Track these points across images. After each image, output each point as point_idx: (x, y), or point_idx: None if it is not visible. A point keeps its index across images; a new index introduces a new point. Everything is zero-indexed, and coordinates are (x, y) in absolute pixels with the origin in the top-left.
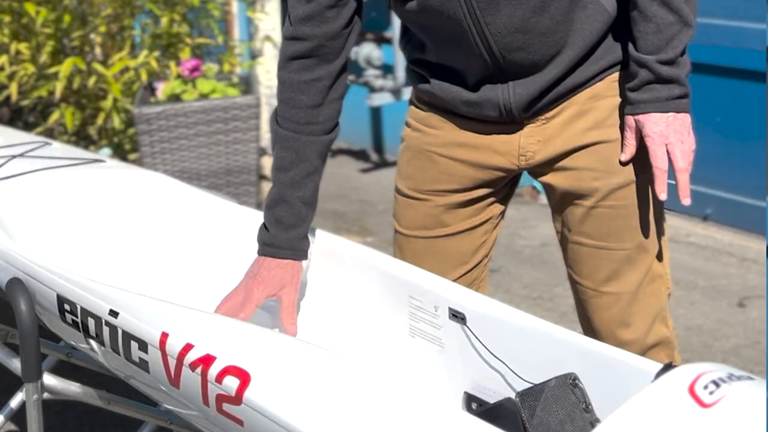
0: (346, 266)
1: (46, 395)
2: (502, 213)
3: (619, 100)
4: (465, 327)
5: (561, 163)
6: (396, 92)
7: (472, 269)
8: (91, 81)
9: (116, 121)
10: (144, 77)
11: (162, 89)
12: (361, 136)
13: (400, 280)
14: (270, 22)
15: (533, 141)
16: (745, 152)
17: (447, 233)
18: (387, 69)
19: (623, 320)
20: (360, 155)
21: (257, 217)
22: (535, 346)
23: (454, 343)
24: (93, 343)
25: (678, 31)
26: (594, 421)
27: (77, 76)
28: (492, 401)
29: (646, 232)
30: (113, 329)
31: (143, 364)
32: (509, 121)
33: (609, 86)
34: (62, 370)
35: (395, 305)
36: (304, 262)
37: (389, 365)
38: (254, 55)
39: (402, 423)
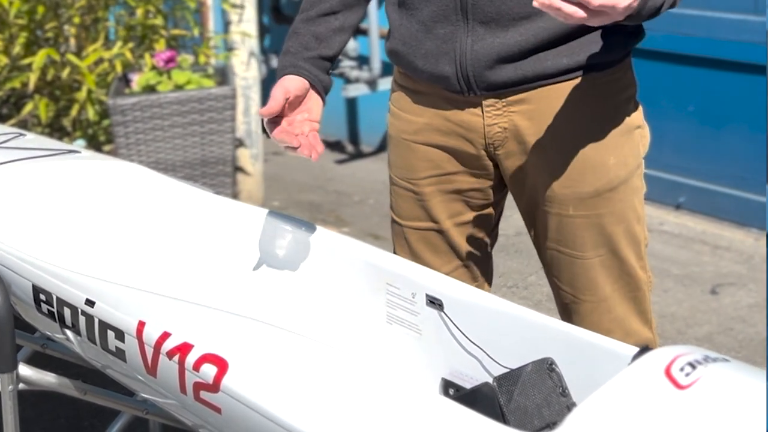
0: (323, 254)
1: (21, 386)
2: (499, 212)
3: (593, 106)
4: (442, 313)
5: (531, 166)
6: (371, 83)
7: (469, 266)
8: (65, 72)
9: (91, 113)
10: (119, 68)
11: (137, 80)
12: (336, 128)
13: (377, 267)
14: (245, 13)
15: (498, 129)
16: (718, 141)
17: (438, 228)
18: (362, 60)
19: (603, 326)
20: (335, 146)
21: (233, 207)
22: (512, 331)
23: (432, 329)
24: (69, 333)
25: None
26: (571, 405)
27: (51, 68)
28: (469, 387)
29: (621, 240)
30: (90, 319)
31: (120, 354)
32: (465, 89)
33: (585, 87)
34: (37, 361)
35: (372, 292)
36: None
37: (367, 352)
38: (229, 47)
39: (379, 408)
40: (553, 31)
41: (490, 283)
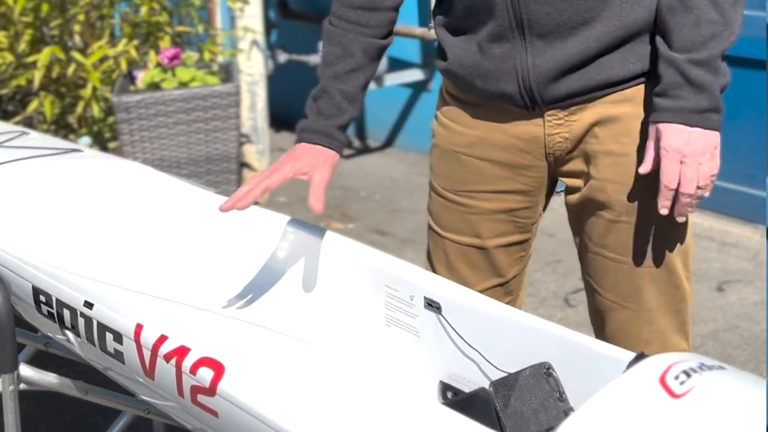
0: (322, 255)
1: (22, 386)
2: (537, 229)
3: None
4: (440, 316)
5: (586, 170)
6: (378, 79)
7: (506, 283)
8: (70, 70)
9: (96, 110)
10: (123, 66)
11: (141, 78)
12: None
13: (376, 269)
14: (250, 10)
15: (560, 139)
16: (725, 138)
17: (481, 245)
18: None
19: (643, 337)
20: None
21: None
22: (510, 335)
23: (430, 332)
24: (69, 334)
25: (718, 32)
26: (568, 410)
27: (56, 65)
28: (467, 390)
29: (671, 249)
30: (88, 320)
31: (118, 356)
32: (529, 105)
33: (645, 94)
34: (41, 359)
35: (371, 295)
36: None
37: (365, 355)
38: (235, 44)
39: (375, 414)
40: (614, 34)
41: (521, 297)
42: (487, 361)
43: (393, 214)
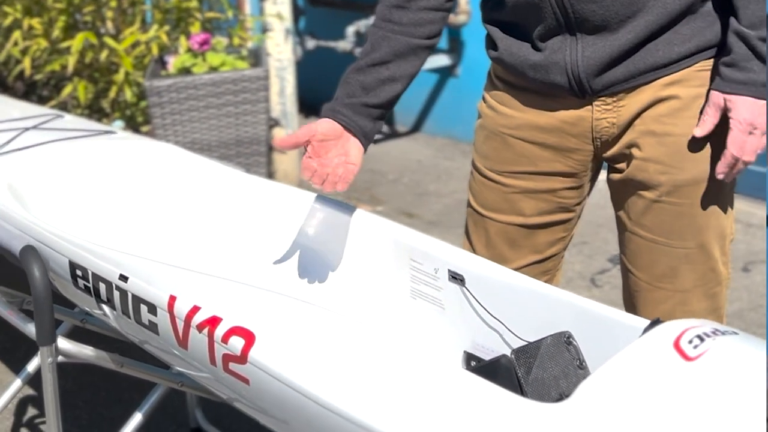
0: (349, 231)
1: (60, 358)
2: (582, 210)
3: (704, 91)
4: (464, 288)
5: (632, 152)
6: None
7: (544, 260)
8: (103, 55)
9: (128, 94)
10: (155, 51)
11: (172, 63)
12: None
13: (402, 244)
14: None
15: (607, 124)
16: None
17: (523, 223)
18: None
19: (676, 318)
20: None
21: (263, 186)
22: (531, 306)
23: (454, 304)
24: (105, 307)
25: None
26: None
27: (89, 51)
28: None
29: (709, 233)
30: (123, 293)
31: (153, 327)
32: (579, 94)
33: (695, 75)
34: (77, 336)
35: (397, 268)
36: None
37: (391, 326)
38: (264, 29)
39: (402, 380)
40: (660, 21)
41: (558, 278)
42: (510, 330)
43: (420, 197)
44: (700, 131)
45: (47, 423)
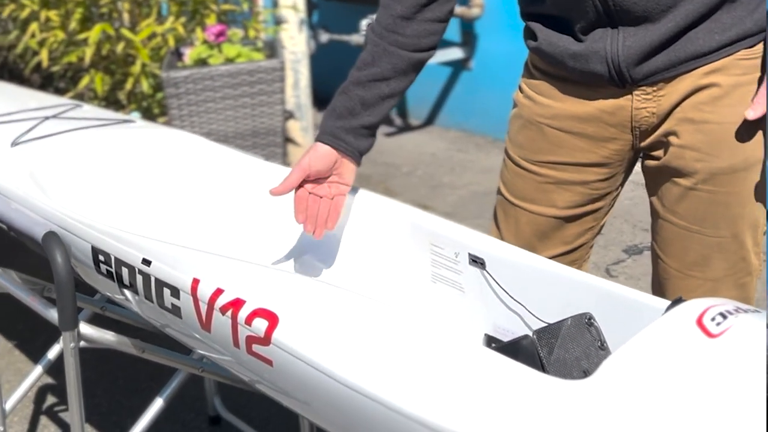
0: (370, 216)
1: (82, 344)
2: (614, 200)
3: (744, 80)
4: (484, 272)
5: (668, 140)
6: None
7: (572, 251)
8: (120, 47)
9: (145, 86)
10: (171, 43)
11: (189, 54)
12: None
13: (422, 228)
14: None
15: (647, 113)
16: None
17: (554, 215)
18: None
19: None
20: (384, 119)
21: (283, 173)
22: (552, 288)
23: (475, 287)
24: (127, 292)
25: None
26: None
27: (106, 42)
28: None
29: (743, 222)
30: (146, 277)
31: (176, 311)
32: (618, 83)
33: (735, 63)
34: (97, 324)
35: (417, 253)
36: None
37: (412, 309)
38: (278, 21)
39: (425, 359)
40: (700, 10)
41: (585, 268)
42: (531, 313)
43: (435, 190)
44: (753, 113)
45: (69, 408)
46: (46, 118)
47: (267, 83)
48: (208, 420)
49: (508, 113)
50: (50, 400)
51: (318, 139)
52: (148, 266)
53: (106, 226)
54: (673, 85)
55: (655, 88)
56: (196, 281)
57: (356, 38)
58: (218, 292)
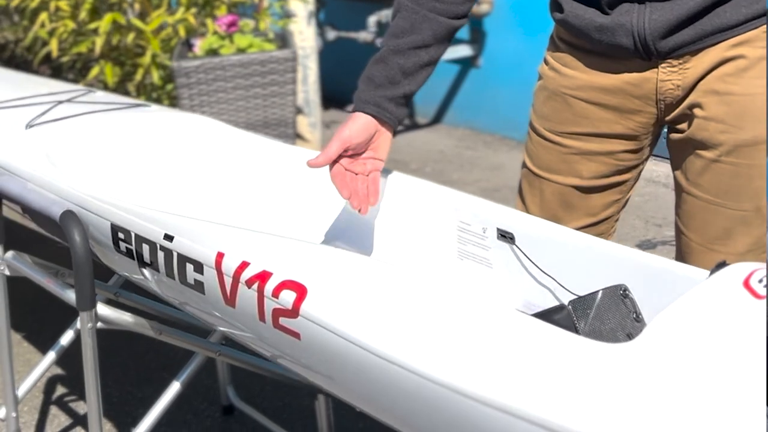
0: (396, 193)
1: (99, 324)
2: (639, 173)
3: (763, 54)
4: (514, 246)
5: (691, 110)
6: None
7: (598, 223)
8: (130, 37)
9: (155, 77)
10: (182, 33)
11: (200, 45)
12: None
13: (448, 205)
14: None
15: (672, 86)
16: None
17: (579, 185)
18: None
19: None
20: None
21: (298, 153)
22: (583, 261)
23: (502, 263)
24: (146, 271)
25: None
26: None
27: (116, 33)
28: None
29: (766, 194)
30: (168, 253)
31: (199, 286)
32: (644, 56)
33: (762, 35)
34: None
35: (444, 230)
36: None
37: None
38: (287, 14)
39: (461, 326)
40: None
41: (612, 240)
42: (562, 286)
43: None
44: None
45: (86, 390)
46: (60, 102)
47: (279, 74)
48: (221, 409)
49: (516, 111)
50: (60, 390)
51: (357, 109)
52: (171, 242)
53: (127, 203)
54: (699, 57)
55: (680, 61)
56: (220, 255)
57: (363, 35)
58: (244, 265)
